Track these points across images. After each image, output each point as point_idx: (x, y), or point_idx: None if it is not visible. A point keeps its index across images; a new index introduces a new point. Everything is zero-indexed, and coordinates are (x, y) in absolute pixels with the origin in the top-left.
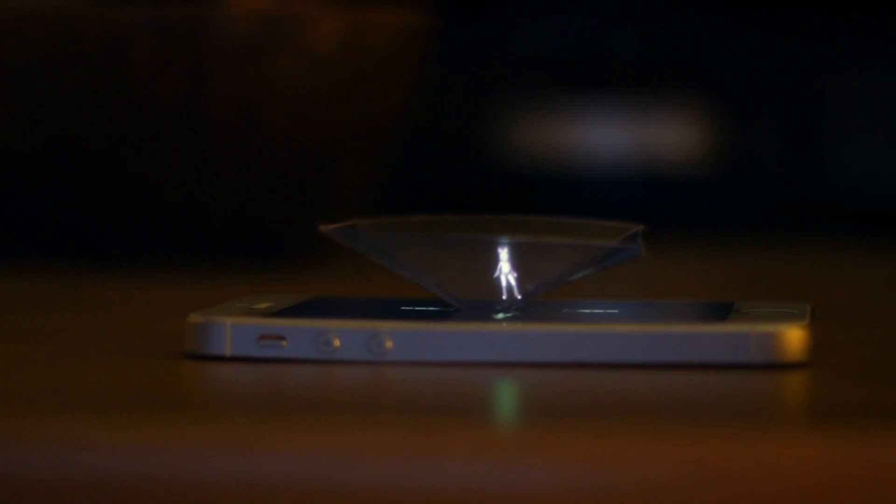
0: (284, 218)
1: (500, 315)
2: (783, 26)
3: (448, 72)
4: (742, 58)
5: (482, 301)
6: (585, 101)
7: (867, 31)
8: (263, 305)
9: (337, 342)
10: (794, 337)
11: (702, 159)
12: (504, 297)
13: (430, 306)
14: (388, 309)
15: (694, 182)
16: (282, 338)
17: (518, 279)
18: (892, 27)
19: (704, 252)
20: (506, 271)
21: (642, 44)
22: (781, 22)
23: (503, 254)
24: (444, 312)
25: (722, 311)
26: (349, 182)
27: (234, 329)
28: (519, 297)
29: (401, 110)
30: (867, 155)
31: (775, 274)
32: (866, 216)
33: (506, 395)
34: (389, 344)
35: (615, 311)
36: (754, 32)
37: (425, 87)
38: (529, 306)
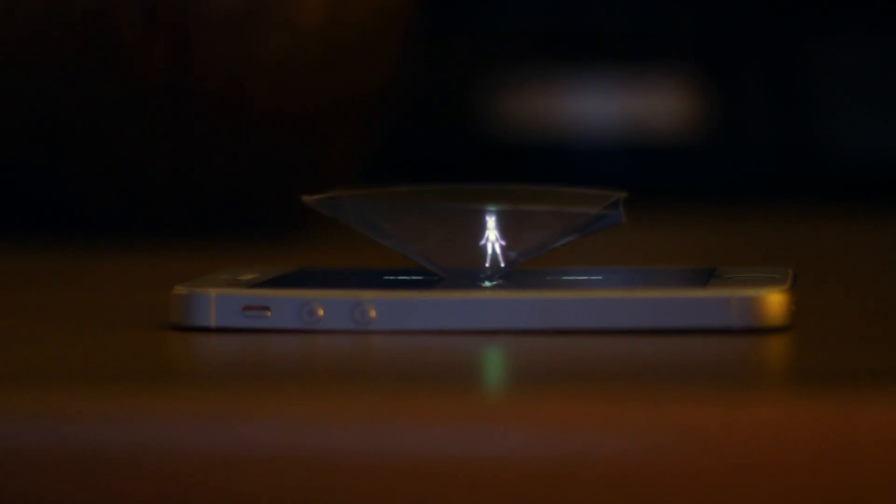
0: (271, 191)
1: (484, 283)
2: None
3: (435, 42)
4: (730, 28)
5: (466, 270)
6: (574, 71)
7: (855, 1)
8: (248, 277)
9: (321, 312)
10: (774, 301)
11: (690, 128)
12: (487, 265)
13: (415, 276)
14: (373, 279)
15: (683, 151)
16: (266, 308)
17: (501, 247)
18: None
19: (692, 220)
20: (489, 240)
21: (631, 14)
22: None
23: (486, 222)
24: (428, 281)
25: (704, 277)
26: (336, 154)
27: (218, 300)
28: (502, 264)
29: (387, 82)
30: (854, 124)
31: (761, 241)
32: (852, 185)
33: (490, 362)
34: (373, 313)
35: (598, 277)
36: (742, 2)
37: (412, 58)
38: (513, 274)
